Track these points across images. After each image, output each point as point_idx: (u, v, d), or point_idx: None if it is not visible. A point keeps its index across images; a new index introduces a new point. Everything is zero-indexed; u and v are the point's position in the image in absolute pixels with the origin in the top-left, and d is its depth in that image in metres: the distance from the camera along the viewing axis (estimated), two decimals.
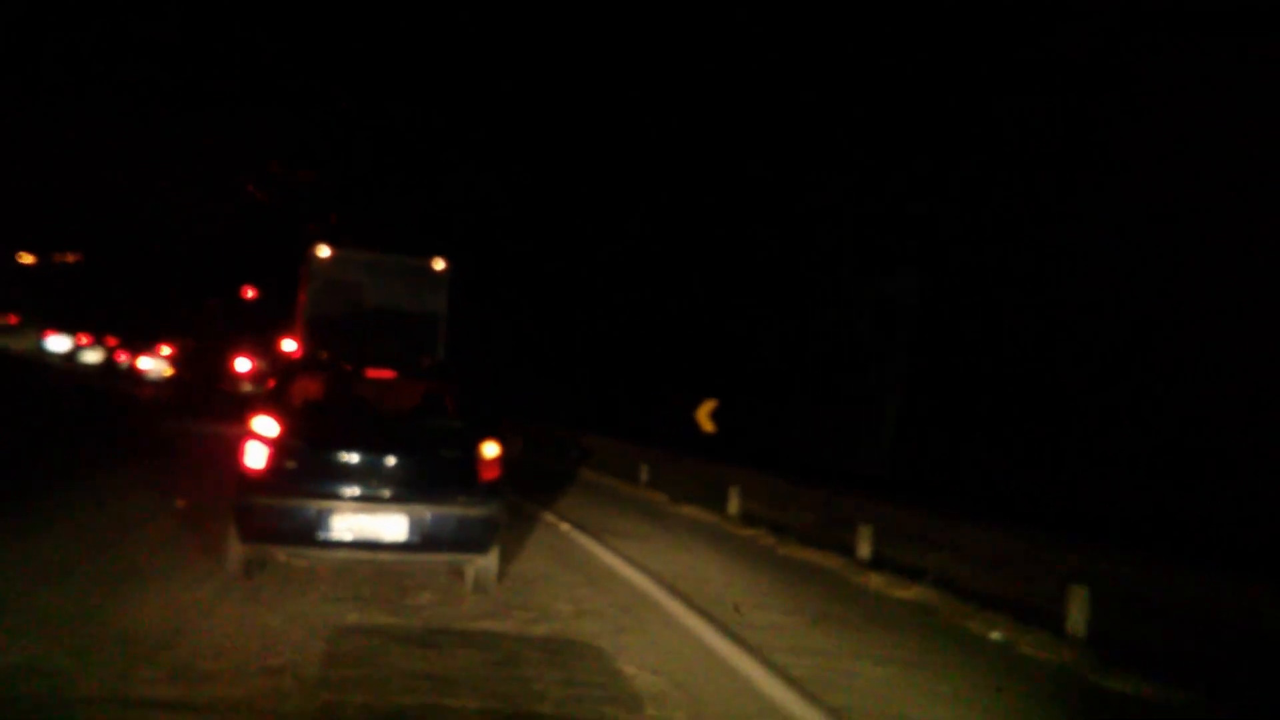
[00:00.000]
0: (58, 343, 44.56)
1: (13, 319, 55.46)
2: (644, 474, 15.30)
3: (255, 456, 6.75)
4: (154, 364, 32.60)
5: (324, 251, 10.77)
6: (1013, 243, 19.51)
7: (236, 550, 6.97)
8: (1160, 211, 16.76)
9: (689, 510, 12.99)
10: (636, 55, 24.90)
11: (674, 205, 24.15)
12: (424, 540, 6.73)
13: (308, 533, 6.68)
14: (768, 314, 22.35)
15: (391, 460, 6.83)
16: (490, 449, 6.93)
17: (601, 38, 25.60)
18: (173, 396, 25.74)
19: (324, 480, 6.77)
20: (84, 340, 43.16)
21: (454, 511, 6.80)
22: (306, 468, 6.79)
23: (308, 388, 7.74)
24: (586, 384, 26.88)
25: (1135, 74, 18.17)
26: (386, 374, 7.73)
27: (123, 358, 38.08)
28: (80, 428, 17.72)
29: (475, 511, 6.84)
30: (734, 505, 12.52)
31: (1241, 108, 16.28)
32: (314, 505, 6.69)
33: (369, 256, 11.18)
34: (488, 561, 7.07)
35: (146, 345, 35.49)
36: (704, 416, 15.64)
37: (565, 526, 10.58)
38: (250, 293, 32.82)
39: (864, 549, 9.82)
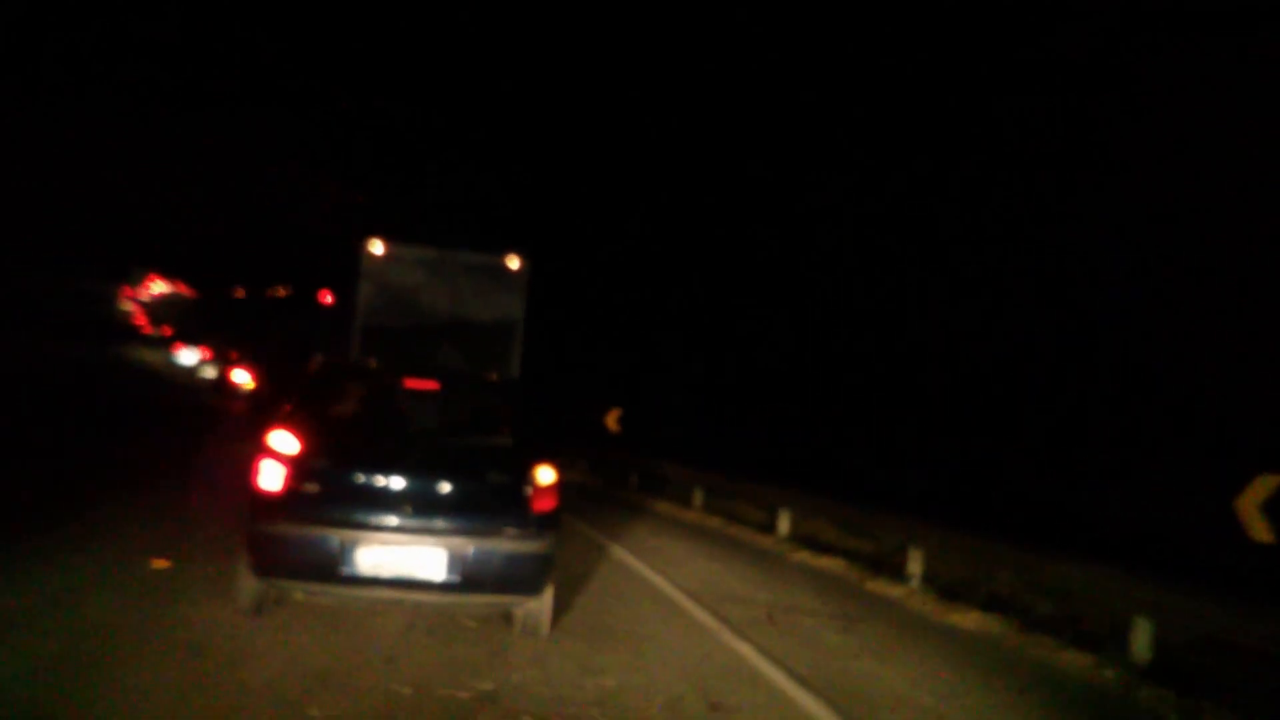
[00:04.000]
0: (186, 356, 44.38)
1: (166, 331, 58.43)
2: (1140, 641, 6.57)
3: (271, 477, 5.51)
4: (243, 377, 31.14)
5: (378, 248, 9.07)
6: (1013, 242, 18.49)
7: (248, 585, 5.72)
8: (1160, 211, 15.77)
9: None
10: (638, 55, 23.74)
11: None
12: (465, 579, 5.48)
13: (329, 567, 5.44)
14: None
15: (429, 485, 5.59)
16: (545, 474, 5.67)
17: (603, 38, 24.44)
18: (248, 411, 23.76)
19: (350, 507, 5.53)
20: (207, 355, 42.25)
21: (501, 546, 5.55)
22: (330, 492, 5.54)
23: (336, 399, 6.42)
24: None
25: (1135, 74, 17.19)
26: (429, 384, 6.41)
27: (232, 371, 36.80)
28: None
29: (526, 547, 5.59)
30: None
31: (1241, 108, 15.33)
32: (337, 535, 5.45)
33: (430, 253, 9.32)
34: (539, 605, 5.83)
35: (244, 358, 33.94)
36: (1251, 508, 7.69)
37: None
38: (328, 298, 30.92)
39: None
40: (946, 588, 8.79)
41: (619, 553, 9.57)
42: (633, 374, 23.69)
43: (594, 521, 11.48)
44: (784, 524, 11.52)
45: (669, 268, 23.32)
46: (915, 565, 9.05)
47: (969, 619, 7.84)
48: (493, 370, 8.57)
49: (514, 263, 9.28)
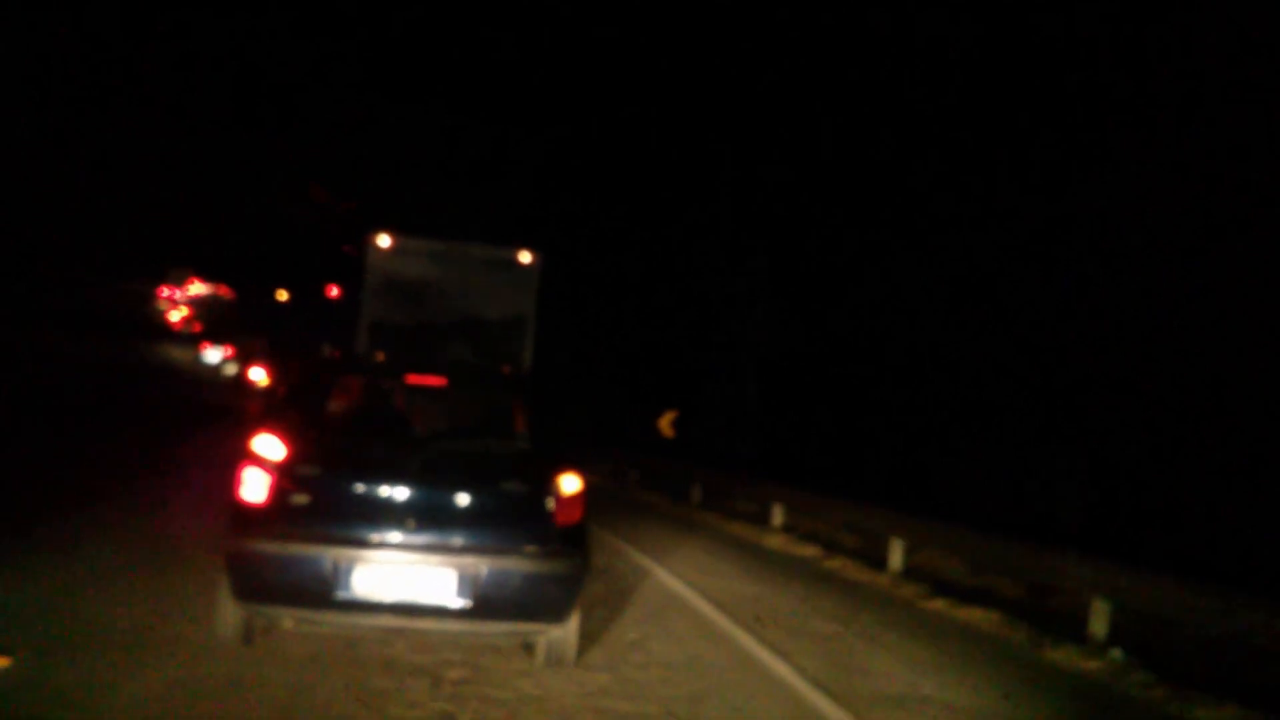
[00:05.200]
0: (212, 354, 44.69)
1: (197, 327, 58.94)
2: None
3: (254, 487, 4.75)
4: (259, 374, 30.50)
5: (384, 240, 8.49)
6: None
7: (230, 612, 4.93)
8: (1160, 211, 14.88)
9: None
10: (644, 53, 23.18)
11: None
12: (478, 604, 4.70)
13: (322, 591, 4.67)
14: None
15: (435, 495, 4.82)
16: (570, 482, 4.89)
17: (609, 37, 23.93)
18: (262, 408, 22.76)
19: (345, 521, 4.76)
20: (230, 353, 42.08)
21: (519, 566, 4.77)
22: (322, 503, 4.78)
23: (330, 398, 5.65)
24: None
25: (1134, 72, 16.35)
26: (435, 381, 5.64)
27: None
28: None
29: (548, 566, 4.80)
30: None
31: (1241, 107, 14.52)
32: (331, 554, 4.68)
33: (439, 246, 8.78)
34: (564, 633, 5.05)
35: (268, 355, 33.11)
36: None
37: None
38: (334, 291, 30.01)
39: None
40: (1146, 655, 6.56)
41: (697, 604, 7.38)
42: (689, 372, 21.89)
43: (649, 548, 9.71)
44: (896, 557, 9.52)
45: (732, 248, 22.03)
46: (1100, 623, 6.84)
47: (1220, 715, 5.61)
48: (505, 366, 7.86)
49: (525, 257, 8.70)
